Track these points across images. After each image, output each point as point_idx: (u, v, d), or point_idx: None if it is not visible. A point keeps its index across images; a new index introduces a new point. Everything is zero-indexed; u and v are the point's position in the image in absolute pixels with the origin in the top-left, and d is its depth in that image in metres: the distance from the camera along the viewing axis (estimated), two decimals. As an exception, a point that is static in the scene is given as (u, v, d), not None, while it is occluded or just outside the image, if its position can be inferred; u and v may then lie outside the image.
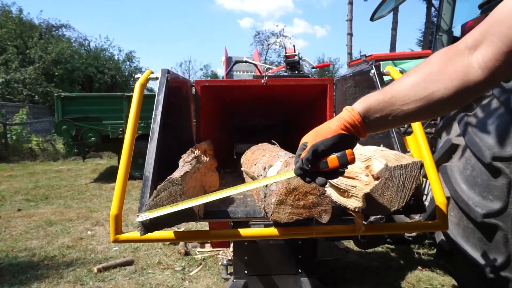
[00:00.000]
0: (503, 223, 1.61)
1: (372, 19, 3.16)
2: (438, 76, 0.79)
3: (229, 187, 0.98)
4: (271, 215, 1.05)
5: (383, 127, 0.92)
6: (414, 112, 0.82)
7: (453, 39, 2.97)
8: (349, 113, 0.87)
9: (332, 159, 0.84)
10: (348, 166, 0.99)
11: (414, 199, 1.25)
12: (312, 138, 0.88)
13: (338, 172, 0.88)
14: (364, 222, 1.57)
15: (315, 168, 0.86)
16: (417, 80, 0.82)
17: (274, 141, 1.72)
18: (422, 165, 1.02)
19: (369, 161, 1.05)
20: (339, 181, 1.06)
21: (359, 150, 1.16)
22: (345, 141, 0.86)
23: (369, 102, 0.87)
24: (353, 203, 1.05)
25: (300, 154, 0.89)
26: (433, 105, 0.80)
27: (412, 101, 0.82)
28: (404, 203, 1.01)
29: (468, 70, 0.76)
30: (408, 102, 0.82)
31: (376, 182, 1.00)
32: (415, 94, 0.81)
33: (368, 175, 1.03)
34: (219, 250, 3.37)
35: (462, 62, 0.77)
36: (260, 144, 1.84)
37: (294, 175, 0.91)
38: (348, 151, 0.84)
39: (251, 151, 1.71)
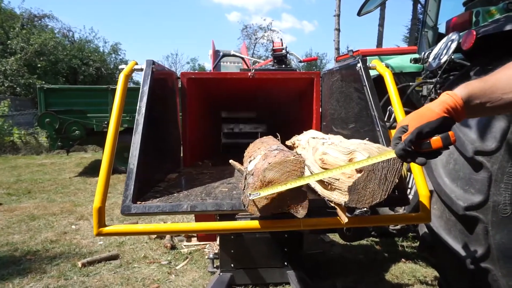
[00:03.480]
0: (484, 216, 1.65)
1: (359, 14, 3.18)
2: None
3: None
4: (247, 207, 1.05)
5: (480, 113, 0.99)
6: None
7: (438, 36, 3.01)
8: (452, 98, 0.93)
9: (436, 140, 0.90)
10: (332, 159, 0.99)
11: (398, 192, 1.27)
12: (414, 121, 0.93)
13: (438, 152, 0.93)
14: (349, 215, 1.58)
15: (416, 149, 0.91)
16: None
17: (278, 134, 1.71)
18: None
19: (352, 154, 1.05)
20: None
21: (343, 143, 1.17)
22: (446, 123, 0.92)
23: (471, 88, 0.93)
24: (337, 196, 1.06)
25: (400, 137, 0.94)
26: None
27: None
28: (386, 196, 1.02)
29: None
30: (508, 91, 0.89)
31: (359, 175, 1.01)
32: None
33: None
34: (206, 244, 3.37)
35: None
36: (263, 137, 1.83)
37: (394, 155, 0.95)
38: (450, 133, 0.90)
39: (254, 144, 1.70)
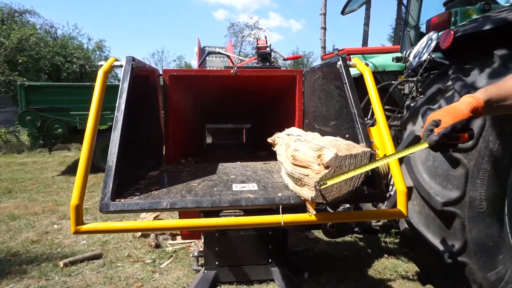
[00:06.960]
0: (461, 211, 1.69)
1: (342, 13, 3.20)
2: None
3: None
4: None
5: (494, 113, 1.29)
6: None
7: (420, 35, 3.06)
8: (476, 101, 1.13)
9: (464, 136, 1.09)
10: (303, 156, 1.01)
11: (375, 189, 1.29)
12: (447, 118, 1.09)
13: (457, 145, 1.12)
14: (331, 210, 1.60)
15: (445, 142, 1.08)
16: None
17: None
18: (372, 155, 1.05)
19: (321, 151, 1.07)
20: (294, 170, 1.08)
21: (315, 140, 1.19)
22: (471, 122, 1.11)
23: (489, 93, 1.14)
24: (306, 192, 1.07)
25: (432, 129, 1.10)
26: None
27: None
28: (352, 191, 1.04)
29: None
30: None
31: (326, 171, 1.02)
32: None
33: (319, 164, 1.05)
34: (191, 242, 3.35)
35: None
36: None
37: (427, 146, 1.09)
38: (473, 130, 1.10)
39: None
